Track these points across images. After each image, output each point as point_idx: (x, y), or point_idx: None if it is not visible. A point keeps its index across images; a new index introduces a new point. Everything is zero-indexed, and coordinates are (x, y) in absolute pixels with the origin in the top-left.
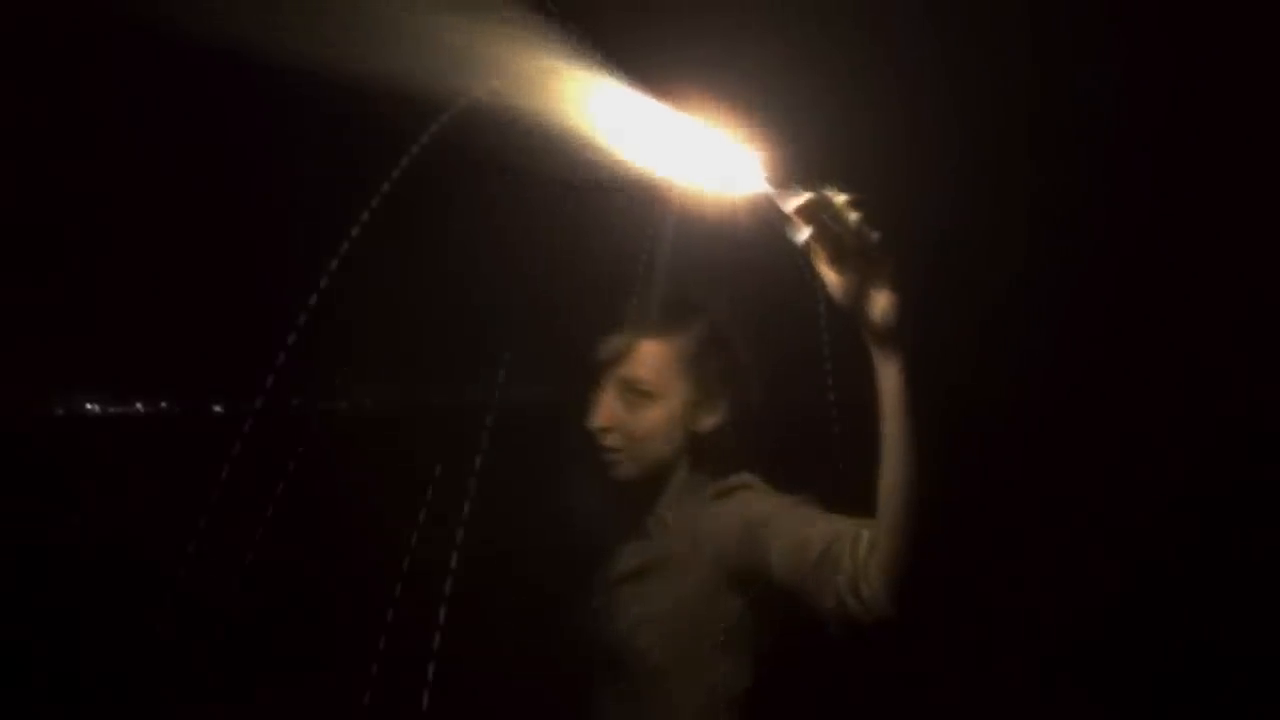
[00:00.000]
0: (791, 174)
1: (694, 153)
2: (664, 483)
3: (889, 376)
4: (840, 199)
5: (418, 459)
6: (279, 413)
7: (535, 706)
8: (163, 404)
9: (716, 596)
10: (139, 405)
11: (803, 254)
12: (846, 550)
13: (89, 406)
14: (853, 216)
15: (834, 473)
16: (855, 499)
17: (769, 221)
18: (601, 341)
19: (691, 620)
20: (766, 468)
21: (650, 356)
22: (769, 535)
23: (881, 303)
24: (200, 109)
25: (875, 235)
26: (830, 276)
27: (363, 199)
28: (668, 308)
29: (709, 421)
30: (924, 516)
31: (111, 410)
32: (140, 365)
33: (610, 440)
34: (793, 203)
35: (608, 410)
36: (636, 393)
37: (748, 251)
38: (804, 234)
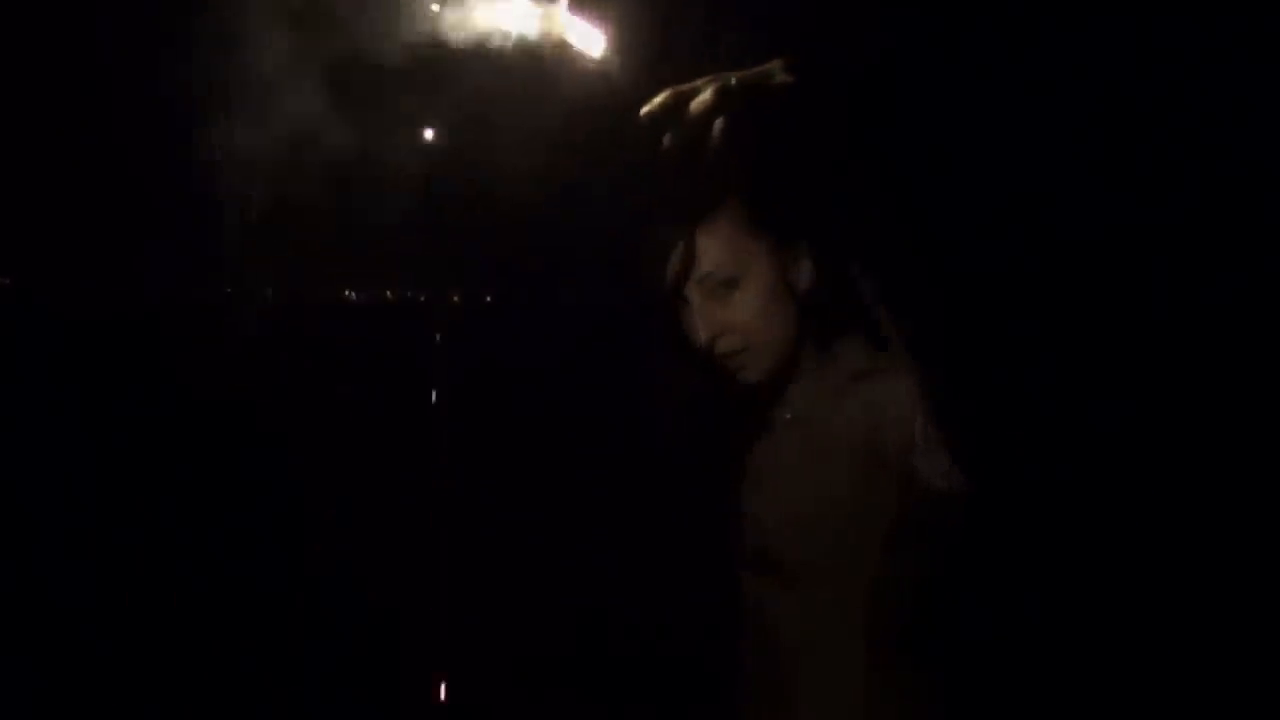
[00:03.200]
0: None
1: None
2: (794, 370)
3: None
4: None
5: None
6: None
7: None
8: None
9: (871, 486)
10: None
11: None
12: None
13: None
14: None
15: None
16: None
17: None
18: (652, 260)
19: (849, 514)
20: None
21: (710, 242)
22: (889, 421)
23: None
24: None
25: None
26: None
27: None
28: (688, 183)
29: (805, 271)
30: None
31: None
32: None
33: (726, 345)
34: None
35: (708, 319)
36: (722, 285)
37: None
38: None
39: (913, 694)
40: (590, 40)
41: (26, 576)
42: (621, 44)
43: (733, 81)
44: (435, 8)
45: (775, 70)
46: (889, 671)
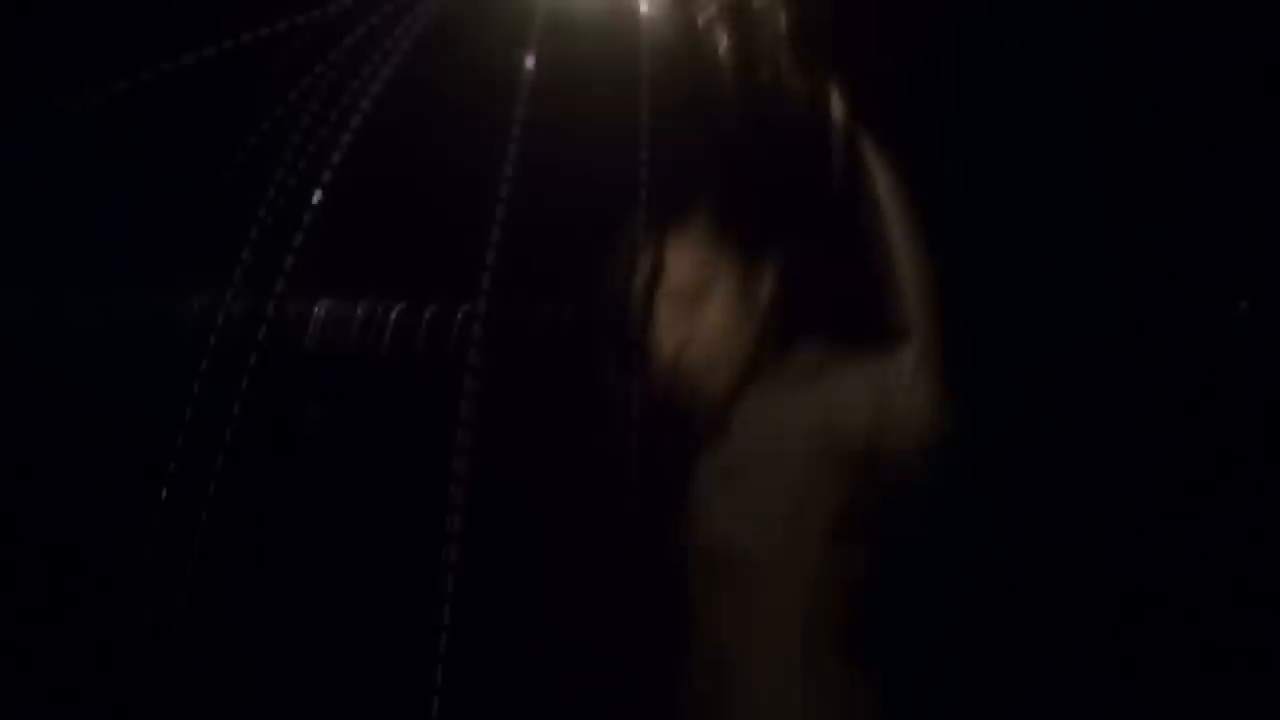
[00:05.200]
0: None
1: None
2: (752, 376)
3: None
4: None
5: None
6: None
7: (636, 624)
8: None
9: (819, 481)
10: None
11: None
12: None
13: None
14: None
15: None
16: None
17: None
18: (620, 268)
19: (797, 508)
20: (840, 319)
21: (677, 256)
22: (844, 410)
23: (838, 99)
24: None
25: None
26: None
27: None
28: (665, 189)
29: (767, 283)
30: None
31: None
32: None
33: (691, 357)
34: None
35: (674, 331)
36: (688, 298)
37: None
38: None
39: (850, 695)
40: None
41: None
42: None
43: None
44: None
45: None
46: (827, 672)
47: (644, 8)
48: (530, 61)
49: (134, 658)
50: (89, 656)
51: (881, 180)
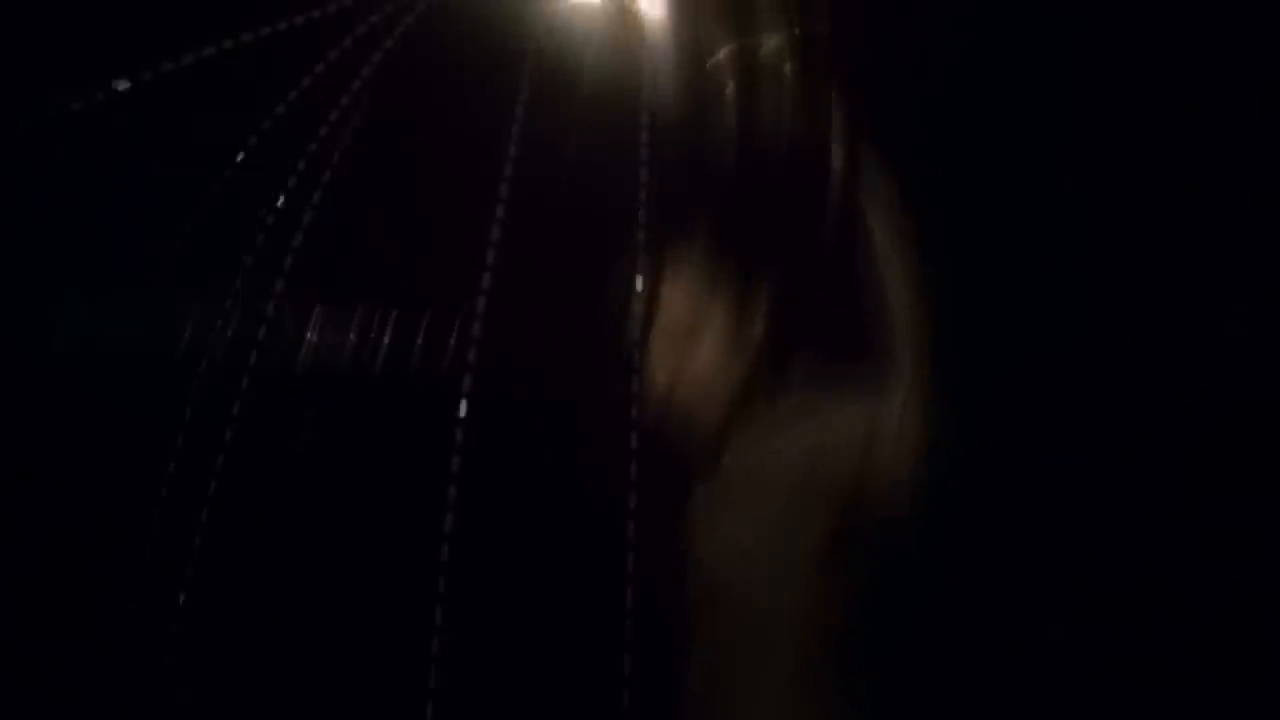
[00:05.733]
0: None
1: None
2: (743, 414)
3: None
4: (766, 45)
5: None
6: None
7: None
8: None
9: (804, 519)
10: None
11: None
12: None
13: None
14: (780, 69)
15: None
16: None
17: None
18: (615, 303)
19: (783, 549)
20: (828, 357)
21: (673, 294)
22: (830, 448)
23: (836, 148)
24: None
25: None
26: None
27: None
28: (660, 226)
29: (759, 323)
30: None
31: None
32: None
33: (683, 394)
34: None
35: (668, 368)
36: (682, 335)
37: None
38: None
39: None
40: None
41: None
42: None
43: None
44: None
45: None
46: (818, 702)
47: (653, 48)
48: (531, 92)
49: (133, 658)
50: (89, 657)
51: (876, 228)
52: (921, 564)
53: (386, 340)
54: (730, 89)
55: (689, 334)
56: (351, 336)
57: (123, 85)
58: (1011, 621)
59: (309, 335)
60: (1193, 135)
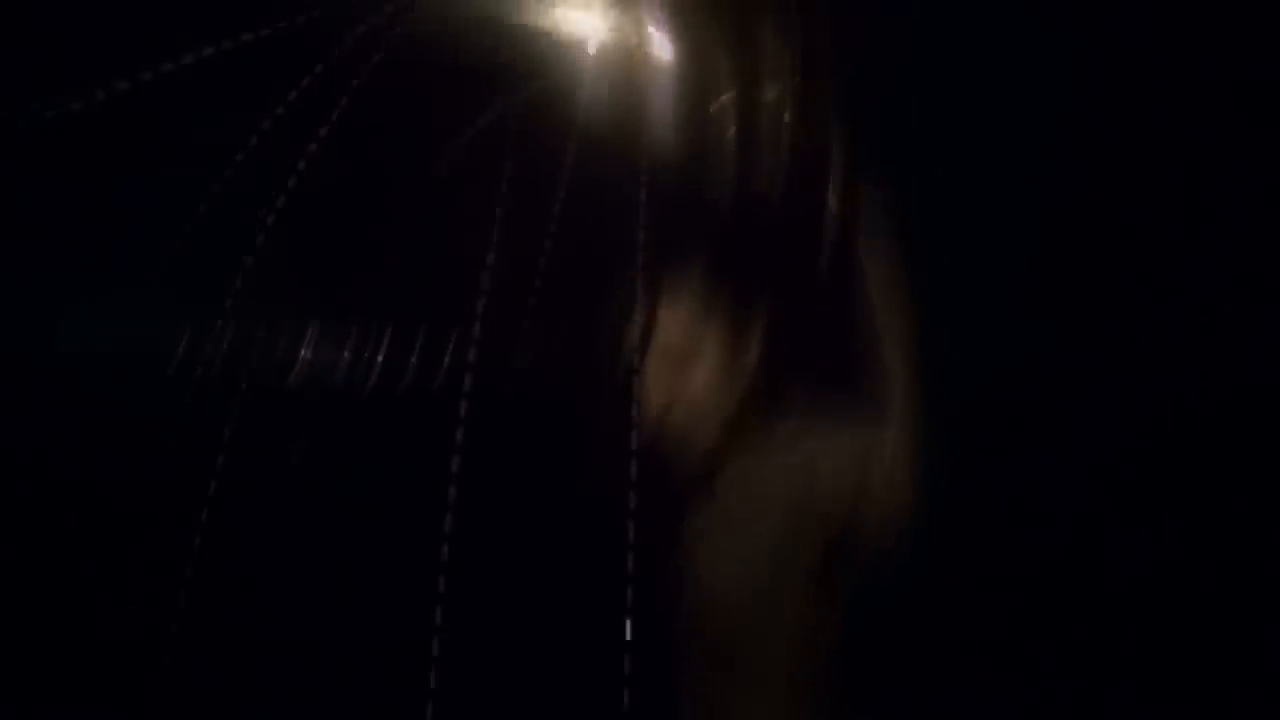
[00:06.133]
0: None
1: None
2: (736, 439)
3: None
4: (766, 95)
5: None
6: None
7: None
8: None
9: (796, 546)
10: None
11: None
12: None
13: None
14: (778, 118)
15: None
16: None
17: None
18: (613, 327)
19: (775, 575)
20: (822, 388)
21: (669, 318)
22: (823, 476)
23: (830, 197)
24: None
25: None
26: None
27: None
28: (658, 254)
29: (754, 350)
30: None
31: None
32: None
33: (676, 417)
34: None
35: (662, 390)
36: (677, 359)
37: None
38: (729, 134)
39: None
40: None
41: None
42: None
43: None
44: None
45: None
46: None
47: (658, 89)
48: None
49: (133, 658)
50: (87, 657)
51: (870, 269)
52: (912, 591)
53: (380, 357)
54: (731, 132)
55: (684, 359)
56: (346, 353)
57: (123, 85)
58: (1002, 646)
59: (303, 351)
60: (1189, 134)
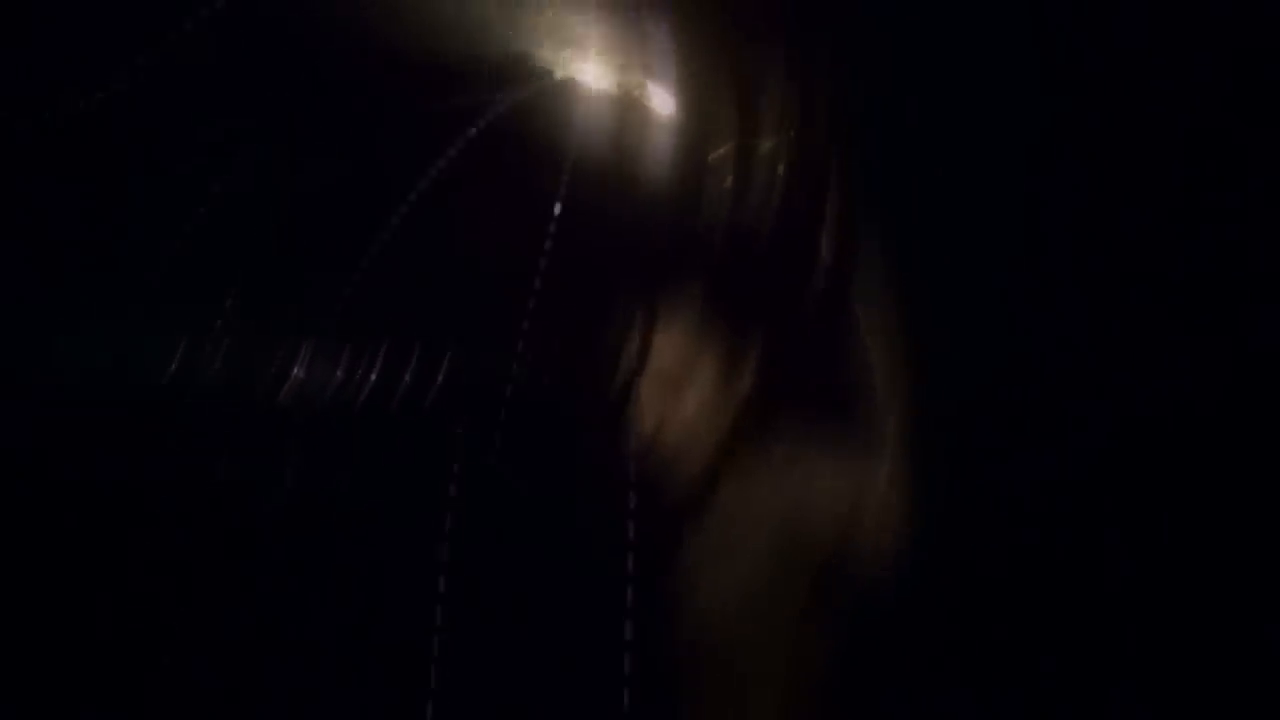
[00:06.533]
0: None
1: None
2: (726, 465)
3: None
4: (762, 145)
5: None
6: None
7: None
8: None
9: (786, 573)
10: None
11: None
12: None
13: None
14: (774, 168)
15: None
16: None
17: None
18: (608, 350)
19: (765, 602)
20: (813, 419)
21: (664, 340)
22: (814, 506)
23: (822, 244)
24: None
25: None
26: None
27: None
28: (655, 281)
29: (747, 377)
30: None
31: None
32: None
33: (667, 438)
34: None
35: (653, 412)
36: (670, 381)
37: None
38: (726, 183)
39: None
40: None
41: None
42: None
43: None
44: None
45: None
46: None
47: (657, 138)
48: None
49: (134, 658)
50: (87, 657)
51: (864, 307)
52: (907, 611)
53: (373, 376)
54: (729, 181)
55: (678, 383)
56: (339, 372)
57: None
58: (999, 655)
59: (295, 370)
60: (1188, 135)
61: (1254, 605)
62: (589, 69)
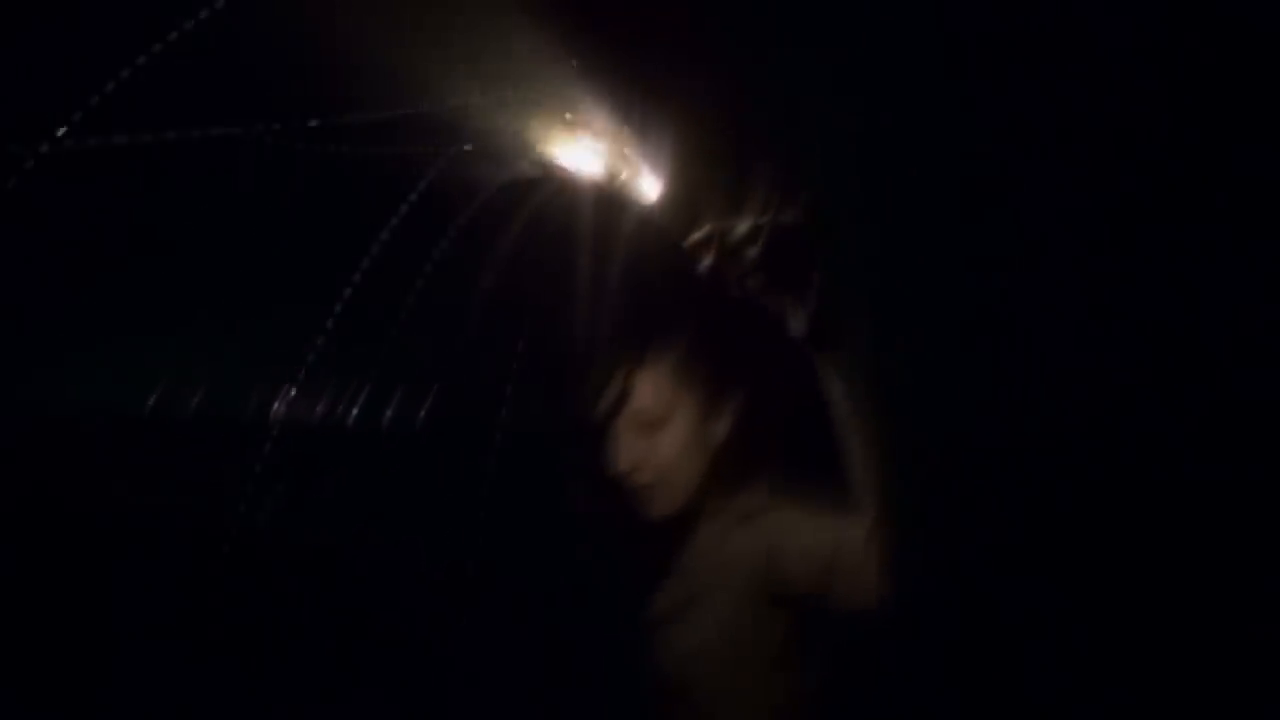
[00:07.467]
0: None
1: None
2: (699, 509)
3: (828, 385)
4: (739, 229)
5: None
6: None
7: None
8: None
9: (761, 618)
10: None
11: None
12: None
13: None
14: (750, 250)
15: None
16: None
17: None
18: (591, 389)
19: (741, 646)
20: (790, 471)
21: (646, 384)
22: (791, 555)
23: (799, 318)
24: None
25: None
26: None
27: None
28: (641, 329)
29: (723, 425)
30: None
31: None
32: None
33: (640, 478)
34: (691, 238)
35: (629, 452)
36: (648, 424)
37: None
38: (705, 262)
39: None
40: (648, 180)
41: None
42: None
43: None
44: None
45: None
46: None
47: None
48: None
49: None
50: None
51: (834, 388)
52: (881, 668)
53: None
54: (708, 260)
55: (655, 424)
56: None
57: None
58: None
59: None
60: (1188, 136)
61: (1255, 604)
62: (579, 151)
